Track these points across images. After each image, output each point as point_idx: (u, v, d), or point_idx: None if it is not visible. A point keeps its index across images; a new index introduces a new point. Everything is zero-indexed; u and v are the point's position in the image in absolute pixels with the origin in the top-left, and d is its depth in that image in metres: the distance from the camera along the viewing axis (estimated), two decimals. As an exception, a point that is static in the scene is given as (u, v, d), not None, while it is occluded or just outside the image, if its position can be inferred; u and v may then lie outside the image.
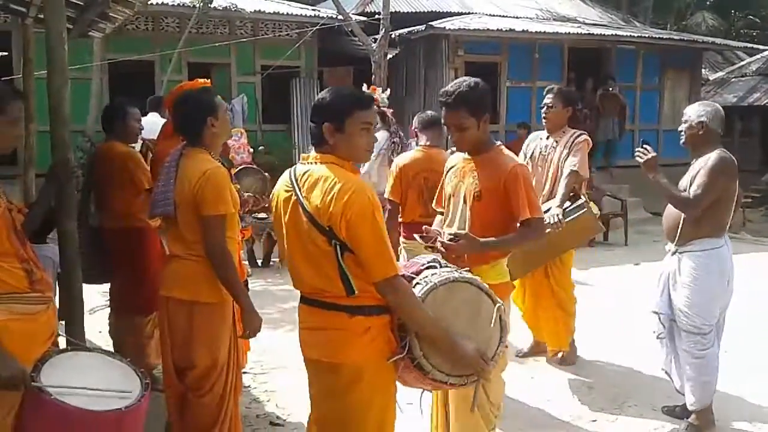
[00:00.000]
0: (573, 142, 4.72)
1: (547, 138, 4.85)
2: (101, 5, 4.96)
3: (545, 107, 4.80)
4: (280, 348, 5.51)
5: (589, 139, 4.86)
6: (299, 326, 2.57)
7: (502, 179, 3.06)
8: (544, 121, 4.83)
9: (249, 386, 4.67)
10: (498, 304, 2.53)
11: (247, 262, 7.46)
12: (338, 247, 2.30)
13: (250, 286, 4.92)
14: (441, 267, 2.63)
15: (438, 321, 2.38)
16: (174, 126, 3.41)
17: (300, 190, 2.37)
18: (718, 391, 4.04)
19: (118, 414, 2.50)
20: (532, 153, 4.89)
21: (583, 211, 4.57)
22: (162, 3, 10.90)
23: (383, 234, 2.30)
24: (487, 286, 2.59)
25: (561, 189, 4.53)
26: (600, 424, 4.11)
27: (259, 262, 8.70)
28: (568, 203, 4.58)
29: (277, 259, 8.74)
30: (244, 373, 4.82)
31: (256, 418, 4.18)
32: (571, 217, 4.49)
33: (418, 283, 2.48)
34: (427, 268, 2.60)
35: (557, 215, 4.38)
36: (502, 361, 2.93)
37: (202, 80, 3.42)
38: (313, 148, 2.46)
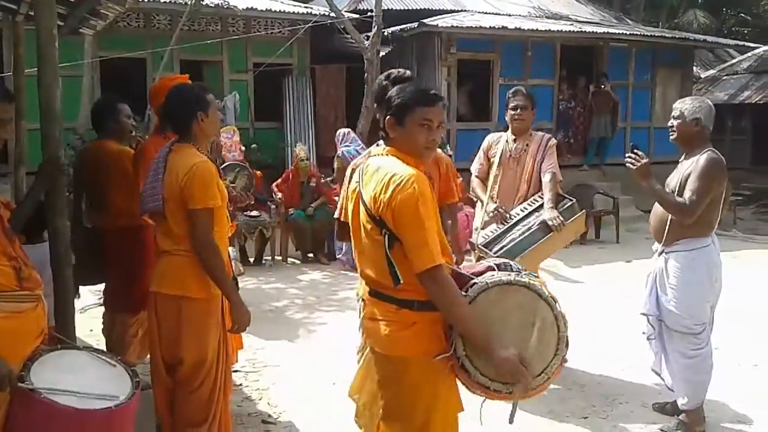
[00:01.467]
0: (546, 145, 4.69)
1: (515, 140, 4.71)
2: (92, 2, 4.93)
3: (518, 108, 4.66)
4: (271, 346, 5.52)
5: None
6: (363, 315, 2.65)
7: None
8: (515, 122, 4.67)
9: (240, 384, 4.67)
10: (556, 312, 2.40)
11: (239, 260, 7.45)
12: (387, 237, 2.34)
13: (241, 284, 4.93)
14: (509, 270, 2.52)
15: (477, 320, 2.33)
16: (164, 118, 3.41)
17: (362, 181, 2.46)
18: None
19: (109, 412, 2.49)
20: (501, 154, 4.71)
21: (577, 211, 4.58)
22: (153, 0, 10.85)
23: (427, 225, 2.31)
24: (548, 292, 2.44)
25: (549, 192, 4.49)
26: (591, 422, 4.12)
27: (251, 260, 8.69)
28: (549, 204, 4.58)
29: (269, 258, 8.75)
30: (236, 371, 4.82)
31: (248, 417, 4.18)
32: (571, 218, 4.49)
33: (475, 283, 2.43)
34: (490, 269, 2.52)
35: (558, 217, 4.36)
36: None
37: (181, 77, 3.42)
38: (383, 140, 2.57)
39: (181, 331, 3.05)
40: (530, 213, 4.50)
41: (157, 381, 3.20)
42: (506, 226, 4.47)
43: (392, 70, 3.40)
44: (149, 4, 10.86)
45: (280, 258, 8.89)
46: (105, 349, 4.20)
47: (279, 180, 9.03)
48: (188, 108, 3.11)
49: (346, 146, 8.17)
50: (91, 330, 5.40)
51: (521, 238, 4.37)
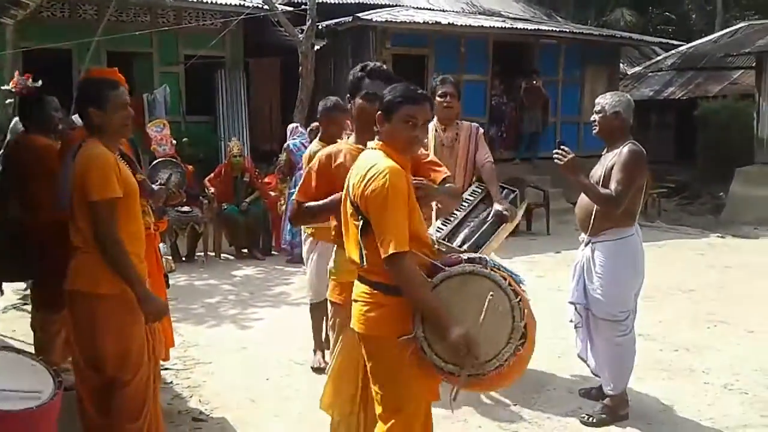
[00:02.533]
0: (477, 134, 4.71)
1: (444, 130, 4.67)
2: (11, -10, 4.75)
3: (447, 96, 4.59)
4: (203, 343, 5.44)
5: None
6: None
7: None
8: (445, 110, 4.59)
9: (171, 382, 4.59)
10: (513, 303, 2.49)
11: (170, 257, 7.30)
12: (362, 223, 2.55)
13: (173, 281, 4.85)
14: (482, 265, 2.59)
15: (434, 300, 2.49)
16: None
17: (352, 171, 2.67)
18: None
19: (29, 414, 2.43)
20: (434, 144, 4.65)
21: (519, 201, 4.63)
22: (79, -11, 10.54)
23: (395, 215, 2.48)
24: (509, 284, 2.54)
25: (495, 183, 4.47)
26: (520, 407, 4.22)
27: (183, 256, 8.54)
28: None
29: (202, 254, 8.61)
30: (166, 369, 4.74)
31: (178, 415, 4.11)
32: (518, 208, 4.52)
33: (443, 273, 2.57)
34: (468, 262, 2.61)
35: (510, 207, 4.33)
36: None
37: (110, 70, 3.33)
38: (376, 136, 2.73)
39: (97, 329, 2.96)
40: (476, 204, 4.44)
41: (81, 380, 3.10)
42: (457, 219, 4.36)
43: (368, 63, 3.31)
44: (74, -6, 10.52)
45: (213, 254, 8.77)
46: (33, 349, 4.08)
47: (211, 174, 8.90)
48: (81, 104, 3.06)
49: (293, 139, 8.14)
50: (14, 330, 5.22)
51: (480, 231, 4.29)
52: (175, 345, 5.05)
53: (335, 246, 3.29)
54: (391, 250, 2.44)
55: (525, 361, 2.61)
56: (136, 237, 3.07)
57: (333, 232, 3.26)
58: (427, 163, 3.15)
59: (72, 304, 3.03)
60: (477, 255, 2.78)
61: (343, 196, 2.73)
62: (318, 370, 4.73)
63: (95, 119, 3.01)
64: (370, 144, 2.75)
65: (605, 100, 4.06)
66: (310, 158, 4.46)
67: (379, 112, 2.66)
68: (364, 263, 2.55)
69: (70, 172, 2.98)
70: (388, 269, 2.48)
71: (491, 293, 2.50)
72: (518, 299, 2.50)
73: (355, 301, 2.70)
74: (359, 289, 2.68)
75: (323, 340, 4.85)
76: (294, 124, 8.90)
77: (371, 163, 2.56)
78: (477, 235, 4.28)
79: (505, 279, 2.55)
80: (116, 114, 3.04)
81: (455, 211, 4.35)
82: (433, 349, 2.48)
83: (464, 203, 4.44)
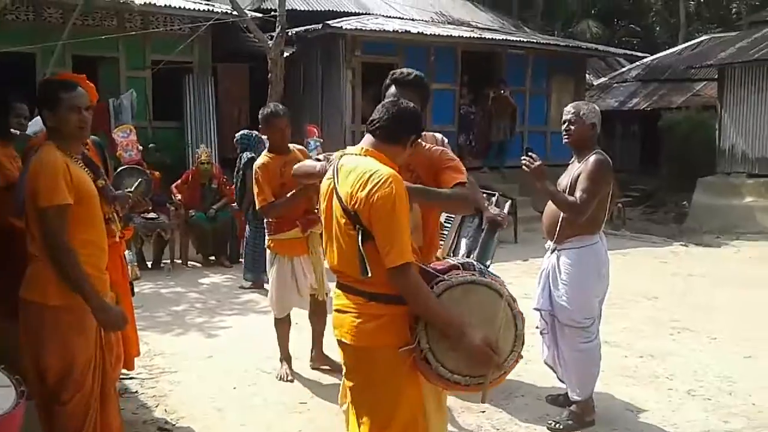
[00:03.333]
0: (444, 143, 4.65)
1: None
2: (-27, -8, 4.65)
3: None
4: (169, 351, 5.37)
5: None
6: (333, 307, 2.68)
7: None
8: None
9: (136, 392, 4.52)
10: (515, 311, 2.54)
11: (135, 264, 7.20)
12: (361, 233, 2.42)
13: (138, 288, 4.77)
14: (473, 270, 2.63)
15: (444, 311, 2.43)
16: None
17: (337, 177, 2.54)
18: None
19: (-13, 424, 2.36)
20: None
21: (503, 203, 4.65)
22: (44, -8, 10.36)
23: (401, 224, 2.41)
24: (507, 293, 2.57)
25: (476, 191, 4.44)
26: (488, 414, 4.23)
27: (149, 264, 8.42)
28: None
29: (168, 261, 8.51)
30: (131, 378, 4.67)
31: (143, 424, 4.04)
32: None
33: (441, 281, 2.53)
34: (456, 268, 2.63)
35: (503, 212, 4.35)
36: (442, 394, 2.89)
37: (78, 76, 3.26)
38: (373, 138, 2.61)
39: (44, 340, 2.86)
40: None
41: (33, 392, 2.96)
42: (451, 231, 4.27)
43: (395, 70, 3.31)
44: (39, -4, 10.34)
45: (179, 261, 8.66)
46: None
47: (178, 181, 8.80)
48: (38, 103, 3.00)
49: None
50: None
51: (480, 240, 4.22)
52: (140, 354, 4.97)
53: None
54: (400, 261, 2.38)
55: (516, 363, 2.64)
56: (94, 245, 2.96)
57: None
58: (448, 168, 3.06)
59: (22, 312, 2.93)
60: (466, 260, 2.80)
61: (325, 205, 2.62)
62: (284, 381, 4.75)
63: (48, 121, 2.95)
64: (351, 149, 2.66)
65: (581, 110, 4.08)
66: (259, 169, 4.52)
67: (413, 136, 2.63)
68: (369, 274, 2.42)
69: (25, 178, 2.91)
70: (394, 279, 2.41)
71: (504, 304, 2.53)
72: (517, 307, 2.57)
73: (342, 311, 2.59)
74: (348, 299, 2.56)
75: (288, 352, 4.87)
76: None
77: (370, 169, 2.44)
78: (479, 244, 4.22)
79: (501, 286, 2.60)
80: (69, 116, 2.94)
81: (445, 224, 4.27)
82: (439, 360, 2.44)
83: (451, 216, 4.33)
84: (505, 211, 4.35)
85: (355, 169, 2.49)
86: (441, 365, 2.44)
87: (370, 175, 2.42)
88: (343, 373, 2.71)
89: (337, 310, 2.62)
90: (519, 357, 2.57)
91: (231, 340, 5.74)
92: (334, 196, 2.53)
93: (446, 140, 4.76)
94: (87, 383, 2.92)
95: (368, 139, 2.62)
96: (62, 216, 2.81)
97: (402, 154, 2.63)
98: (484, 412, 4.26)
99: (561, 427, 4.05)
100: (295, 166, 3.70)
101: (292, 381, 4.74)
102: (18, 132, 4.26)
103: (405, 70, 3.30)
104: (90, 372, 2.94)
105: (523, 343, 2.57)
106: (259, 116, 4.80)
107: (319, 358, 4.96)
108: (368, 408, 2.58)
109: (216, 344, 5.65)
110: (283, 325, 4.84)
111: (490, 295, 2.54)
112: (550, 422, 4.11)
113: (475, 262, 2.75)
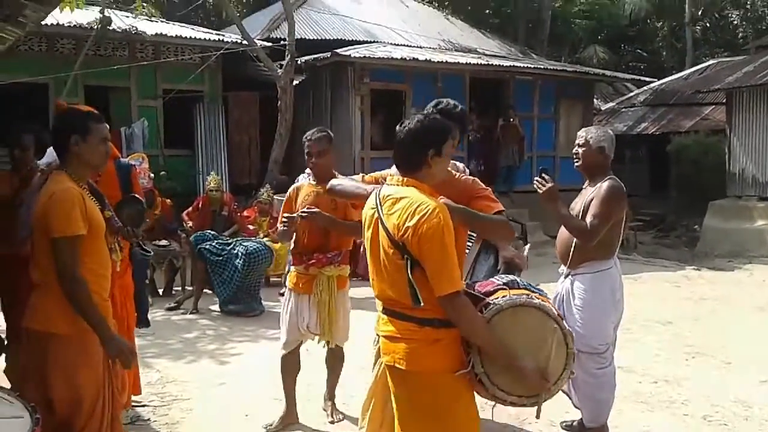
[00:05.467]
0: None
1: None
2: (-10, 25, 4.74)
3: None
4: (180, 379, 5.35)
5: None
6: (380, 333, 2.69)
7: None
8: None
9: (149, 419, 4.50)
10: (562, 330, 2.60)
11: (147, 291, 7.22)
12: (409, 262, 2.46)
13: (150, 315, 4.78)
14: (518, 287, 2.70)
15: (497, 338, 2.49)
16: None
17: (381, 208, 2.58)
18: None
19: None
20: None
21: (526, 244, 4.58)
22: (57, 24, 10.49)
23: (450, 252, 2.45)
24: (556, 312, 2.66)
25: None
26: (503, 443, 4.20)
27: (161, 291, 8.43)
28: None
29: (180, 288, 8.52)
30: (143, 406, 4.66)
31: (156, 452, 4.03)
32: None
33: (489, 304, 2.59)
34: (501, 289, 2.68)
35: (519, 255, 4.13)
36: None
37: (86, 107, 3.30)
38: (400, 172, 2.66)
39: (49, 370, 2.83)
40: (478, 252, 4.14)
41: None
42: (467, 264, 3.96)
43: (441, 100, 3.32)
44: (52, 28, 10.48)
45: (190, 288, 8.67)
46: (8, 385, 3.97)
47: (190, 208, 8.85)
48: (64, 130, 2.99)
49: None
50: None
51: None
52: (152, 381, 4.97)
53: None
54: (451, 290, 2.43)
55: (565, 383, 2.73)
56: (98, 273, 2.96)
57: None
58: (483, 198, 3.09)
59: (27, 341, 2.92)
60: (509, 278, 2.84)
61: (369, 235, 2.65)
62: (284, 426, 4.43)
63: (75, 148, 2.95)
64: (391, 180, 2.67)
65: (590, 134, 4.10)
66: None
67: (431, 150, 2.59)
68: (421, 304, 2.46)
69: (34, 205, 2.91)
70: (447, 307, 2.45)
71: (554, 325, 2.59)
72: (566, 325, 2.63)
73: (393, 338, 2.60)
74: (401, 326, 2.57)
75: (291, 397, 4.48)
76: None
77: (417, 201, 2.49)
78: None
79: (550, 306, 2.67)
80: (97, 147, 3.00)
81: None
82: (494, 383, 2.52)
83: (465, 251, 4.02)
84: (525, 253, 4.20)
85: (400, 201, 2.53)
86: (497, 388, 2.53)
87: (417, 206, 2.47)
88: (393, 400, 2.70)
89: (388, 337, 2.63)
90: (571, 373, 2.64)
91: (242, 367, 5.72)
92: (380, 227, 2.58)
93: (467, 169, 4.75)
94: (98, 411, 2.91)
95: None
96: (75, 246, 2.82)
97: (433, 173, 2.62)
98: (498, 438, 4.22)
99: (576, 454, 4.01)
100: (334, 182, 3.55)
101: None
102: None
103: (450, 101, 3.35)
104: (100, 399, 2.93)
105: (574, 360, 2.63)
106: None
107: (334, 412, 4.58)
108: (422, 427, 2.59)
109: (228, 371, 5.63)
110: (287, 364, 4.42)
111: (540, 317, 2.61)
112: (565, 449, 4.06)
113: (519, 279, 2.81)
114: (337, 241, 4.27)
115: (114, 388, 3.05)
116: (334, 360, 4.51)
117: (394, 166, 2.85)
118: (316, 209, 4.03)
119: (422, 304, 2.46)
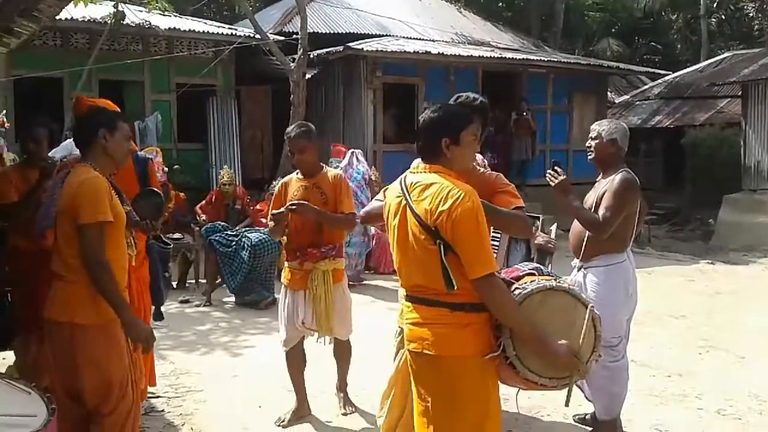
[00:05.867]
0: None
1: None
2: (5, 19, 4.78)
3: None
4: (195, 370, 5.39)
5: None
6: (405, 322, 2.69)
7: None
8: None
9: (162, 411, 4.54)
10: (592, 312, 2.60)
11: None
12: (442, 247, 2.47)
13: (164, 308, 4.80)
14: (542, 274, 2.74)
15: (530, 320, 2.51)
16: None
17: (409, 195, 2.60)
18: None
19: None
20: None
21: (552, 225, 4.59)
22: (71, 18, 10.57)
23: (484, 235, 2.50)
24: (585, 297, 2.70)
25: None
26: (515, 435, 4.20)
27: (174, 284, 8.48)
28: None
29: (193, 281, 8.56)
30: (157, 397, 4.70)
31: (170, 443, 4.07)
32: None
33: (516, 288, 2.62)
34: (528, 275, 2.72)
35: (549, 239, 4.17)
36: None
37: (103, 100, 3.37)
38: (422, 160, 2.69)
39: (77, 359, 2.88)
40: (509, 242, 4.02)
41: (61, 411, 2.98)
42: (500, 255, 3.86)
43: (461, 94, 3.34)
44: (66, 23, 10.57)
45: (204, 281, 8.71)
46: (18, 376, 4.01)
47: (203, 202, 8.89)
48: (93, 123, 3.06)
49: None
50: (3, 358, 5.15)
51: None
52: (166, 373, 5.01)
53: None
54: (486, 271, 2.45)
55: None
56: (118, 264, 3.01)
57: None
58: (505, 192, 3.11)
59: (50, 333, 2.96)
60: (535, 265, 2.88)
61: (396, 222, 2.65)
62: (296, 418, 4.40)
63: (102, 141, 3.03)
64: (415, 167, 2.71)
65: (602, 127, 4.09)
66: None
67: (444, 138, 2.61)
68: (455, 287, 2.47)
69: (56, 197, 2.95)
70: (482, 289, 2.47)
71: (583, 307, 2.60)
72: (595, 310, 2.64)
73: (421, 324, 2.59)
74: (431, 312, 2.57)
75: (301, 392, 4.47)
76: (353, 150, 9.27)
77: (447, 186, 2.51)
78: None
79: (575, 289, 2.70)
80: (122, 143, 3.12)
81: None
82: (526, 365, 2.53)
83: (494, 243, 3.95)
84: (552, 235, 4.20)
85: (430, 186, 2.55)
86: (528, 369, 2.53)
87: (449, 191, 2.49)
88: (413, 388, 2.71)
89: (414, 324, 2.63)
90: (599, 356, 2.67)
91: (256, 359, 5.75)
92: (409, 213, 2.58)
93: (485, 161, 4.73)
94: (128, 393, 2.99)
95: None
96: (102, 233, 2.89)
97: (451, 161, 2.63)
98: (510, 430, 4.23)
99: (589, 447, 4.00)
100: (368, 209, 3.56)
101: (284, 426, 4.33)
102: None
103: (471, 95, 3.35)
104: (129, 383, 3.00)
105: (600, 342, 2.65)
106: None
107: (345, 404, 4.56)
108: (453, 419, 2.58)
109: (241, 363, 5.67)
110: (291, 359, 4.44)
111: (569, 300, 2.63)
112: (577, 442, 4.06)
113: (543, 267, 2.84)
114: (330, 235, 4.26)
115: (136, 375, 3.12)
116: (341, 352, 4.52)
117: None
118: (303, 201, 4.05)
119: (456, 287, 2.46)
